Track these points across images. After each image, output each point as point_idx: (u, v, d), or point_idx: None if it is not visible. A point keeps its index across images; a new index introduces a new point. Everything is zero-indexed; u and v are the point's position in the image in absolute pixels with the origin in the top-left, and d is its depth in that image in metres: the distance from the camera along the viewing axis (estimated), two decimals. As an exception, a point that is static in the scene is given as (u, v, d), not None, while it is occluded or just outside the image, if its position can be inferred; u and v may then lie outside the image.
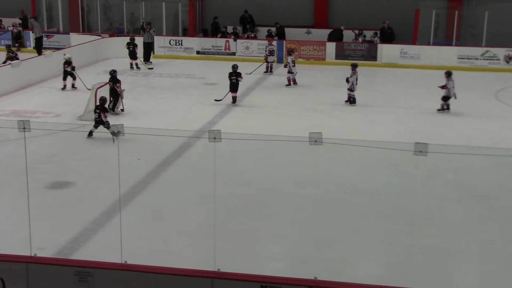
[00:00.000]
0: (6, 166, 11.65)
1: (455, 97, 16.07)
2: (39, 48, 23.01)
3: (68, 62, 18.30)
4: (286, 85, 19.30)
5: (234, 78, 16.72)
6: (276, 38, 23.63)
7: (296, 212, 9.86)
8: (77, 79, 18.28)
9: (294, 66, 19.20)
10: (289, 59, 19.36)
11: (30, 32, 24.42)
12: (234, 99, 16.80)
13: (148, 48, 22.58)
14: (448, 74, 16.22)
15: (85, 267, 6.05)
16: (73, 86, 18.42)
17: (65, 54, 18.90)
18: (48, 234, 8.61)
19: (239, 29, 25.62)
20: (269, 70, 21.39)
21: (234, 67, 16.94)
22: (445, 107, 16.25)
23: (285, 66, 19.60)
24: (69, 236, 8.83)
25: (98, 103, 13.71)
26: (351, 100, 16.91)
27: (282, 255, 8.65)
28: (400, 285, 6.17)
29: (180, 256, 8.31)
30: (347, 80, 16.77)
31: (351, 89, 16.82)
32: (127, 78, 19.57)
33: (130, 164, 11.13)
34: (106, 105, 13.98)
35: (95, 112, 13.56)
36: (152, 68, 21.75)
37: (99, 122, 13.27)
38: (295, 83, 19.38)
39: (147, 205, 10.19)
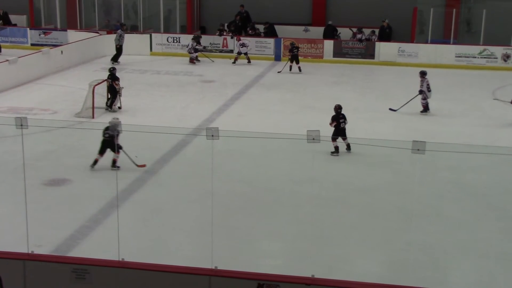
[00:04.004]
0: (3, 163, 11.63)
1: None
2: None
3: None
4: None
5: (296, 50, 21.08)
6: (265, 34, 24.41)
7: (293, 209, 9.86)
8: None
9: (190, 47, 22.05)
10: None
11: None
12: (299, 68, 20.92)
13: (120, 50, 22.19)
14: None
15: (83, 264, 6.04)
16: None
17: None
18: (45, 231, 8.60)
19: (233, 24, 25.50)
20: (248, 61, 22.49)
21: (293, 44, 21.29)
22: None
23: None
24: (66, 233, 8.82)
25: (338, 111, 12.47)
26: (424, 109, 16.02)
27: (279, 252, 8.64)
28: (398, 283, 6.18)
29: (177, 254, 8.32)
30: (420, 92, 15.78)
31: (424, 98, 15.88)
32: (125, 75, 19.52)
33: (128, 161, 11.12)
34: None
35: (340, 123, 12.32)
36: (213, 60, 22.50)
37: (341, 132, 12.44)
38: None
39: (145, 202, 10.18)
